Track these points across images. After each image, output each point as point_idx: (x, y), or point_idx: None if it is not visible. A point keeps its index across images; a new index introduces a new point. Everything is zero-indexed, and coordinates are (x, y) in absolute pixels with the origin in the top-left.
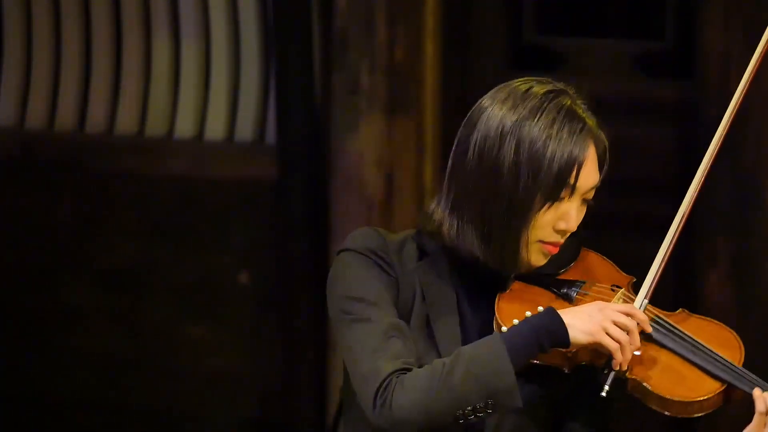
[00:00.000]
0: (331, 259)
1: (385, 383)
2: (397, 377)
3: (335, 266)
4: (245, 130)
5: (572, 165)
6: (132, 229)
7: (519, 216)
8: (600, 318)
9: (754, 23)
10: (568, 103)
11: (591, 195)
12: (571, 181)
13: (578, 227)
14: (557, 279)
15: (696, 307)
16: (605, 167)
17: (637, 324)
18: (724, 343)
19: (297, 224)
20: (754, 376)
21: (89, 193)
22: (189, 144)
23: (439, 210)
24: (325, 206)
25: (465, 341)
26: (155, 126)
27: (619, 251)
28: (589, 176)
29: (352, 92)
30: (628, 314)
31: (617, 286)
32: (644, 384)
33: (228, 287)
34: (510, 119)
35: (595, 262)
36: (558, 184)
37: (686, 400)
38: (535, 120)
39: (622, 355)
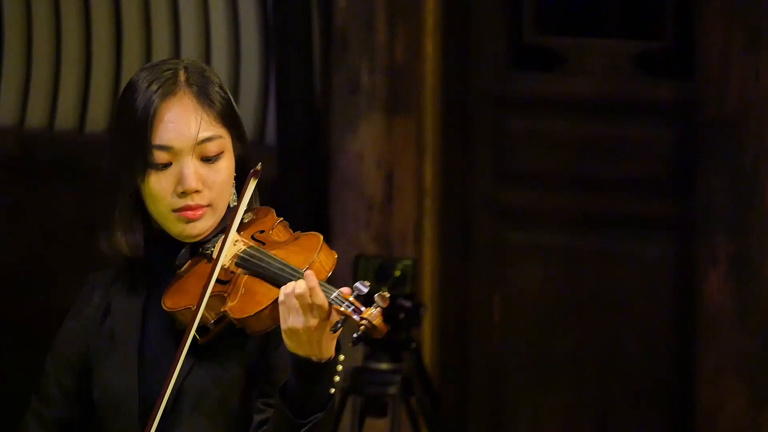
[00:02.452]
0: None
1: None
2: None
3: None
4: (245, 130)
5: (144, 127)
6: None
7: (119, 194)
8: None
9: (754, 23)
10: (161, 68)
11: (210, 151)
12: (151, 143)
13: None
14: (205, 243)
15: (696, 307)
16: (228, 124)
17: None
18: (299, 252)
19: (297, 224)
20: (302, 273)
21: (89, 193)
22: None
23: None
24: (325, 206)
25: (146, 340)
26: None
27: (619, 251)
28: (177, 132)
29: (352, 92)
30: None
31: (262, 236)
32: (230, 314)
33: None
34: (116, 101)
35: (255, 214)
36: (140, 150)
37: (252, 313)
38: (125, 93)
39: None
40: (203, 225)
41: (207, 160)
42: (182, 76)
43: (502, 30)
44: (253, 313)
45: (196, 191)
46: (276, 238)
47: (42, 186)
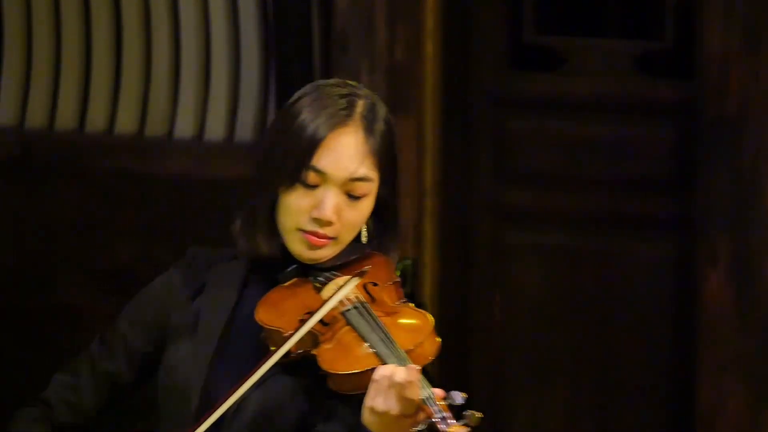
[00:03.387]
0: None
1: (36, 398)
2: (36, 404)
3: None
4: (245, 130)
5: (310, 146)
6: (132, 229)
7: (263, 197)
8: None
9: (753, 23)
10: (338, 91)
11: (358, 191)
12: (308, 161)
13: (390, 236)
14: (325, 271)
15: (696, 307)
16: (382, 166)
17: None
18: (407, 328)
19: None
20: (405, 359)
21: (89, 193)
22: (189, 144)
23: None
24: None
25: (228, 336)
26: (155, 126)
27: (619, 251)
28: (337, 163)
29: None
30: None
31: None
32: (318, 359)
33: None
34: (288, 105)
35: (373, 261)
36: (297, 164)
37: (344, 372)
38: (299, 105)
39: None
40: (323, 253)
41: (351, 196)
42: (358, 108)
43: (502, 30)
44: (343, 372)
45: (329, 223)
46: (385, 298)
47: (42, 186)
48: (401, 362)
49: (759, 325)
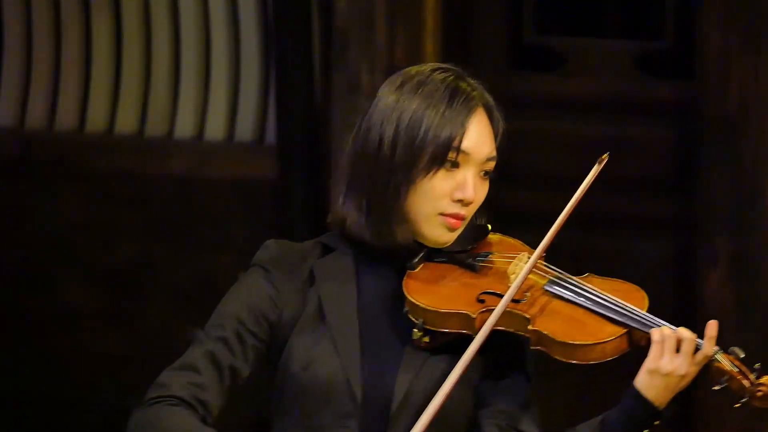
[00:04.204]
0: None
1: (159, 398)
2: (170, 401)
3: None
4: (245, 130)
5: (454, 127)
6: (132, 229)
7: (399, 183)
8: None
9: (753, 23)
10: (452, 77)
11: (490, 167)
12: (455, 143)
13: (482, 213)
14: (463, 253)
15: (696, 307)
16: (502, 146)
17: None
18: (628, 295)
19: (297, 224)
20: (658, 319)
21: (89, 193)
22: (189, 144)
23: (339, 203)
24: (325, 206)
25: (362, 322)
26: (155, 126)
27: (619, 251)
28: (478, 143)
29: (352, 92)
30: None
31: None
32: (546, 334)
33: (228, 287)
34: (395, 95)
35: (504, 240)
36: (441, 147)
37: (587, 343)
38: (419, 92)
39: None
40: (454, 235)
41: (484, 175)
42: (479, 91)
43: (502, 30)
44: (586, 343)
45: (470, 202)
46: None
47: (42, 186)
48: (657, 324)
49: (759, 324)
